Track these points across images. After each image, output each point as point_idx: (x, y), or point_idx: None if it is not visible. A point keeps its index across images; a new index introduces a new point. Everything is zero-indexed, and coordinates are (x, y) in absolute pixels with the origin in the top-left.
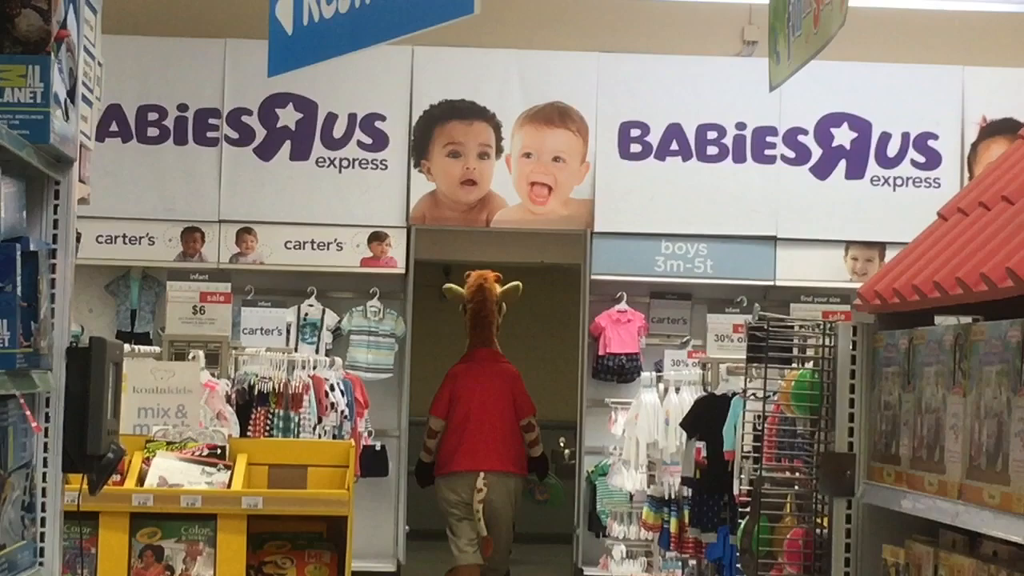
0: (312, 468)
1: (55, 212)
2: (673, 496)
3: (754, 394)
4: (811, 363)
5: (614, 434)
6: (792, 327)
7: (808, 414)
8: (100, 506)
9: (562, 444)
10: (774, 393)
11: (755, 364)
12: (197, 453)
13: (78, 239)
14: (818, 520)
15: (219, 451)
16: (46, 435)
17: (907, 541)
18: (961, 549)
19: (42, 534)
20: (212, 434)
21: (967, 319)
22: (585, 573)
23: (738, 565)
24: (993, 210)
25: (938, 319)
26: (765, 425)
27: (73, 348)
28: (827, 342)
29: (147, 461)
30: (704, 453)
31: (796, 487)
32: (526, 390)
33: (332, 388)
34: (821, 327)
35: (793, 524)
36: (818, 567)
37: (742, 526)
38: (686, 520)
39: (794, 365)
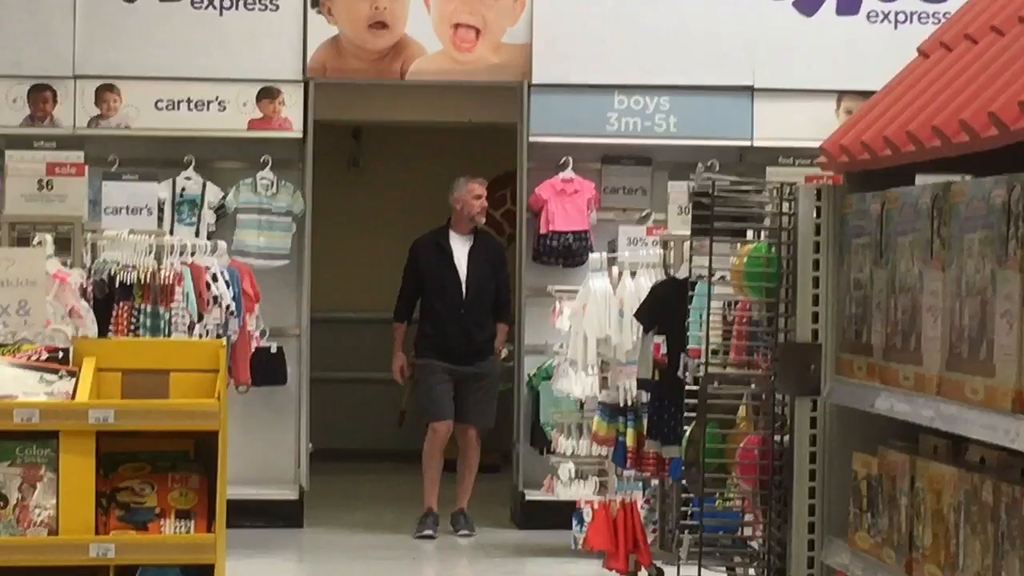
0: (175, 374)
1: None
2: (629, 403)
3: (701, 275)
4: (767, 235)
5: (559, 329)
6: (747, 192)
7: (764, 297)
8: None
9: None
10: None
11: (701, 238)
12: (34, 358)
13: None
14: (777, 425)
15: (61, 355)
16: None
17: (881, 448)
18: (943, 456)
19: None
20: (52, 334)
21: (956, 179)
22: (527, 498)
23: (683, 481)
24: (981, 43)
25: (919, 179)
26: (733, 313)
27: None
28: (786, 209)
29: None
30: (664, 350)
31: (752, 386)
32: None
33: (215, 278)
34: (779, 191)
35: (748, 430)
36: (777, 481)
37: (687, 434)
38: (645, 431)
39: (749, 238)
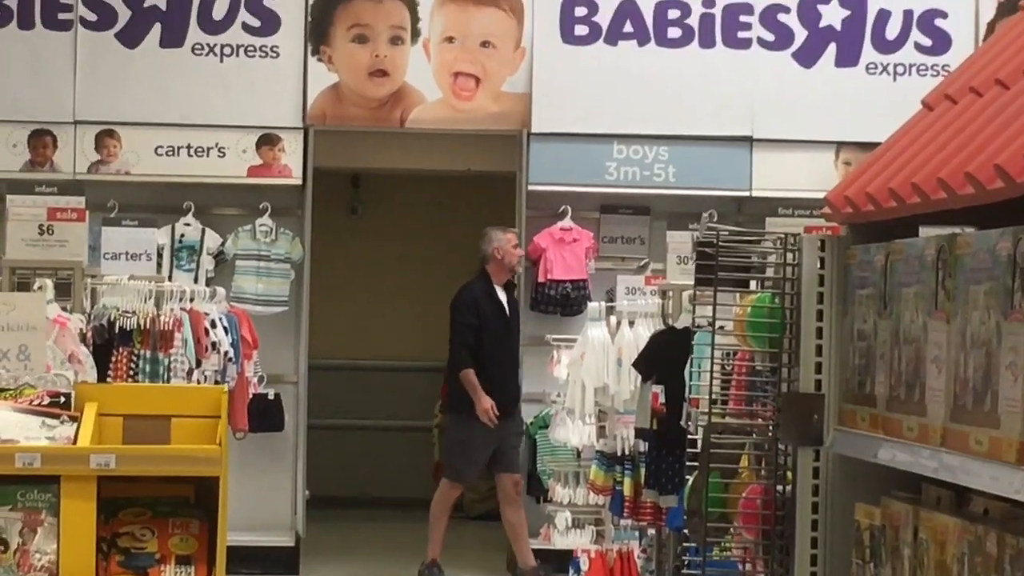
0: (177, 419)
1: None
2: (627, 452)
3: (707, 324)
4: (771, 285)
5: (557, 378)
6: (750, 242)
7: (767, 347)
8: None
9: None
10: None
11: (705, 288)
12: (36, 402)
13: None
14: (779, 475)
15: (63, 400)
16: None
17: (884, 499)
18: (946, 507)
19: None
20: (54, 379)
21: (961, 231)
22: None
23: (685, 530)
24: (986, 96)
25: (923, 231)
26: (732, 363)
27: None
28: (790, 259)
29: None
30: (662, 399)
31: (753, 435)
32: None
33: (213, 324)
34: (783, 241)
35: (751, 480)
36: (779, 531)
37: (690, 483)
38: (642, 481)
39: (752, 287)
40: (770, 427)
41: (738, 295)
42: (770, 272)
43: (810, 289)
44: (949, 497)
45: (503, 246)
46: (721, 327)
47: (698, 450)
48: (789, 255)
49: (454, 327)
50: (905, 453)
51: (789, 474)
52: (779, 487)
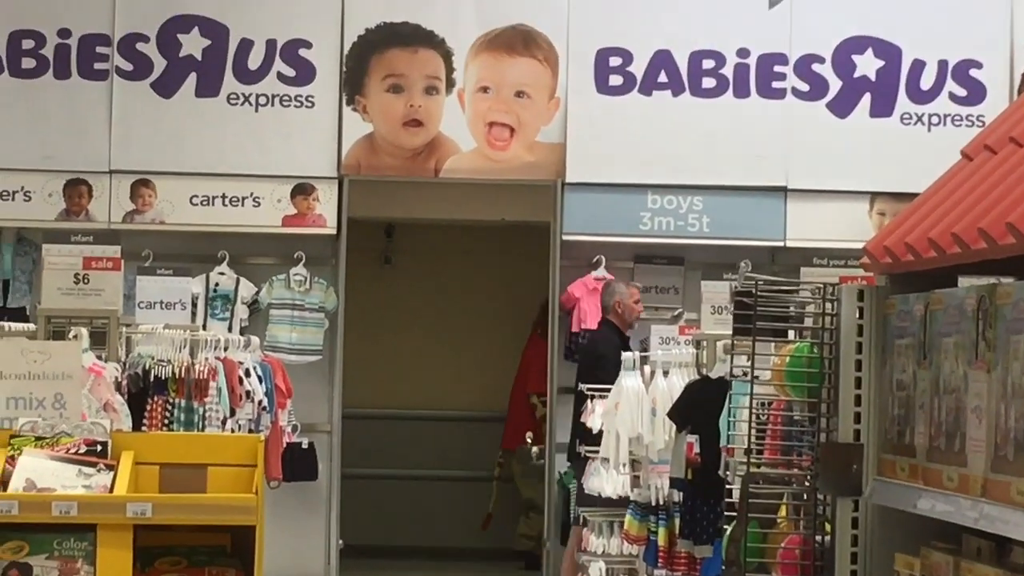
0: (213, 468)
1: None
2: (661, 502)
3: (745, 373)
4: (809, 335)
5: (590, 428)
6: (788, 291)
7: (806, 396)
8: None
9: (529, 440)
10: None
11: (743, 337)
12: (73, 450)
13: None
14: (819, 525)
15: (99, 448)
16: None
17: (923, 549)
18: (987, 558)
19: None
20: (91, 427)
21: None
22: None
23: None
24: None
25: (962, 281)
26: (767, 412)
27: None
28: (829, 309)
29: (12, 461)
30: (697, 449)
31: (792, 485)
32: None
33: (248, 373)
34: (821, 291)
35: (789, 530)
36: None
37: (728, 532)
38: (677, 531)
39: (791, 337)
40: (808, 477)
41: (775, 344)
42: (808, 322)
43: (849, 339)
44: (990, 547)
45: (624, 300)
46: (756, 376)
47: (736, 499)
48: (828, 305)
49: (606, 370)
50: (945, 503)
51: (828, 524)
52: (818, 537)
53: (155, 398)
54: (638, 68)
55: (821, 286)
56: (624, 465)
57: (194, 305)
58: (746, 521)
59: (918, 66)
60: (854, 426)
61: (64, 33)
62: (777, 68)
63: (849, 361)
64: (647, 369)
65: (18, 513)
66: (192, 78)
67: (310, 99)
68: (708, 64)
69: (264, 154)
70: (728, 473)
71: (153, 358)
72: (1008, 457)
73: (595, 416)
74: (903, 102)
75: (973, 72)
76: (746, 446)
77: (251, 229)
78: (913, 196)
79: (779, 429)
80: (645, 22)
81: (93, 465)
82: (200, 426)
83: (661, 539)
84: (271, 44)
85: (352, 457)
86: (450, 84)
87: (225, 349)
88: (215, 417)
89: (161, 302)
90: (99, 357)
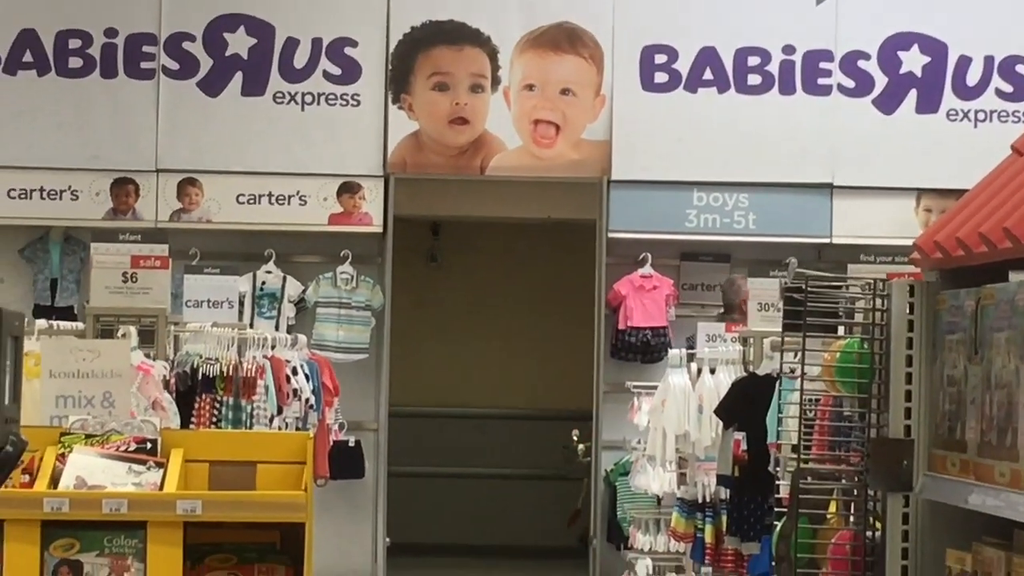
0: (262, 465)
1: None
2: (708, 499)
3: (792, 370)
4: (859, 330)
5: (637, 425)
6: (838, 287)
7: (856, 392)
8: (4, 512)
9: (575, 438)
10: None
11: (793, 333)
12: (122, 448)
13: None
14: (869, 520)
15: (149, 445)
16: None
17: (975, 544)
18: None
19: None
20: (141, 425)
21: None
22: None
23: None
24: None
25: (1013, 275)
26: (815, 408)
27: None
28: (879, 305)
29: (62, 458)
30: (744, 446)
31: (842, 481)
32: None
33: (295, 372)
34: (872, 287)
35: (839, 526)
36: None
37: (778, 529)
38: (724, 528)
39: (840, 333)
40: (858, 473)
41: (824, 341)
42: (858, 318)
43: (899, 334)
44: None
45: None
46: (804, 373)
47: (785, 496)
48: (878, 300)
49: None
50: (997, 499)
51: (878, 520)
52: (868, 533)
53: (203, 396)
54: (683, 65)
55: (871, 282)
56: (670, 462)
57: (241, 303)
58: (796, 517)
59: (964, 62)
60: (904, 422)
61: (111, 33)
62: (823, 65)
63: (900, 357)
64: (694, 366)
65: (69, 511)
66: (238, 77)
67: (356, 97)
68: (753, 61)
69: (310, 152)
70: (778, 469)
71: (201, 356)
72: None
73: (641, 414)
74: (949, 98)
75: (1020, 67)
76: (798, 442)
77: (297, 228)
78: (959, 192)
79: (827, 425)
80: (690, 19)
81: (143, 463)
82: (248, 424)
83: (708, 536)
84: (317, 43)
85: (398, 455)
86: (496, 82)
87: (272, 347)
88: (262, 415)
89: (208, 300)
90: (147, 355)
